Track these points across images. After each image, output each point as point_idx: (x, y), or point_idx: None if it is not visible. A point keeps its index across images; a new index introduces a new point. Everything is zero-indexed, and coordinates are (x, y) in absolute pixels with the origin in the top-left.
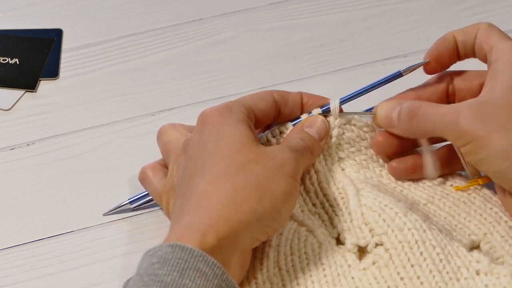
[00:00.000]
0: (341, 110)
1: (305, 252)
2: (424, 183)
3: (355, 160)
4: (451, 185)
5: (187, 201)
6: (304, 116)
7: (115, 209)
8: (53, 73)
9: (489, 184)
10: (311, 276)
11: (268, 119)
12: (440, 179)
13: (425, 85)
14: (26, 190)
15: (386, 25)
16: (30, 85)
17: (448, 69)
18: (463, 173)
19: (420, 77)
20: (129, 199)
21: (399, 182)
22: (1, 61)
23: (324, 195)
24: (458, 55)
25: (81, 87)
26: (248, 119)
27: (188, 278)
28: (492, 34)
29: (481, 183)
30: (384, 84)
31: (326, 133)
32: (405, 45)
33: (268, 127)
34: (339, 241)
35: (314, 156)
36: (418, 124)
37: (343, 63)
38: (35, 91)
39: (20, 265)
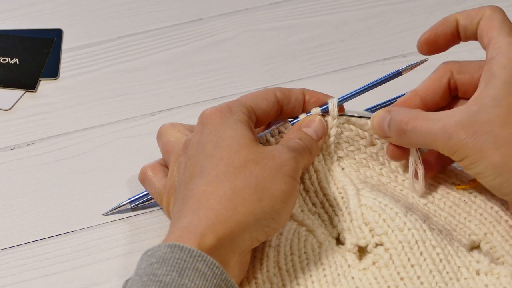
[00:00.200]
0: (342, 109)
1: (305, 252)
2: (424, 181)
3: (355, 159)
4: (453, 182)
5: (186, 202)
6: (302, 116)
7: (115, 209)
8: (53, 73)
9: None
10: (311, 276)
11: (269, 118)
12: (441, 176)
13: (426, 83)
14: (26, 190)
15: (386, 25)
16: (30, 85)
17: (449, 60)
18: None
19: (420, 76)
20: (128, 199)
21: (399, 181)
22: (1, 61)
23: (324, 194)
24: (460, 38)
25: (81, 87)
26: (248, 120)
27: (187, 278)
28: (493, 24)
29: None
30: (384, 83)
31: (324, 133)
32: (405, 45)
33: (269, 124)
34: (339, 241)
35: (312, 156)
36: (409, 139)
37: (343, 63)
38: (35, 91)
39: (20, 265)
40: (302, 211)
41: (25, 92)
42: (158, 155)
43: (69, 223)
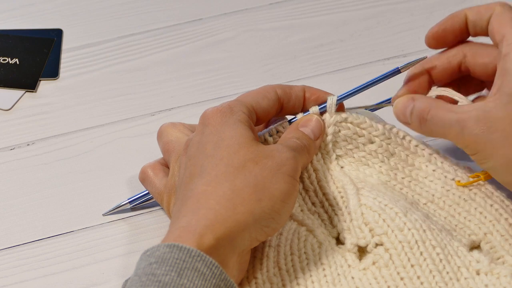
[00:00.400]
0: (342, 106)
1: (305, 252)
2: (425, 178)
3: (354, 157)
4: (453, 179)
5: (186, 202)
6: (300, 116)
7: (114, 209)
8: (53, 73)
9: (492, 179)
10: (311, 276)
11: (270, 116)
12: (442, 172)
13: (437, 62)
14: (26, 190)
15: (386, 25)
16: (30, 85)
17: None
18: (469, 164)
19: None
20: (128, 199)
21: (399, 180)
22: (1, 61)
23: (324, 194)
24: (469, 33)
25: (81, 87)
26: (248, 119)
27: (186, 278)
28: (505, 21)
29: (483, 180)
30: (383, 81)
31: (321, 132)
32: (405, 45)
33: (268, 122)
34: (339, 241)
35: (310, 155)
36: (429, 128)
37: (343, 63)
38: (35, 91)
39: (20, 265)
40: (301, 210)
41: (25, 92)
42: (158, 155)
43: (69, 223)
